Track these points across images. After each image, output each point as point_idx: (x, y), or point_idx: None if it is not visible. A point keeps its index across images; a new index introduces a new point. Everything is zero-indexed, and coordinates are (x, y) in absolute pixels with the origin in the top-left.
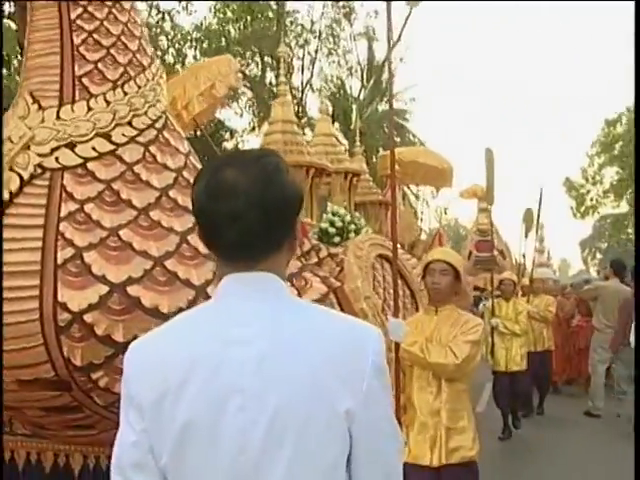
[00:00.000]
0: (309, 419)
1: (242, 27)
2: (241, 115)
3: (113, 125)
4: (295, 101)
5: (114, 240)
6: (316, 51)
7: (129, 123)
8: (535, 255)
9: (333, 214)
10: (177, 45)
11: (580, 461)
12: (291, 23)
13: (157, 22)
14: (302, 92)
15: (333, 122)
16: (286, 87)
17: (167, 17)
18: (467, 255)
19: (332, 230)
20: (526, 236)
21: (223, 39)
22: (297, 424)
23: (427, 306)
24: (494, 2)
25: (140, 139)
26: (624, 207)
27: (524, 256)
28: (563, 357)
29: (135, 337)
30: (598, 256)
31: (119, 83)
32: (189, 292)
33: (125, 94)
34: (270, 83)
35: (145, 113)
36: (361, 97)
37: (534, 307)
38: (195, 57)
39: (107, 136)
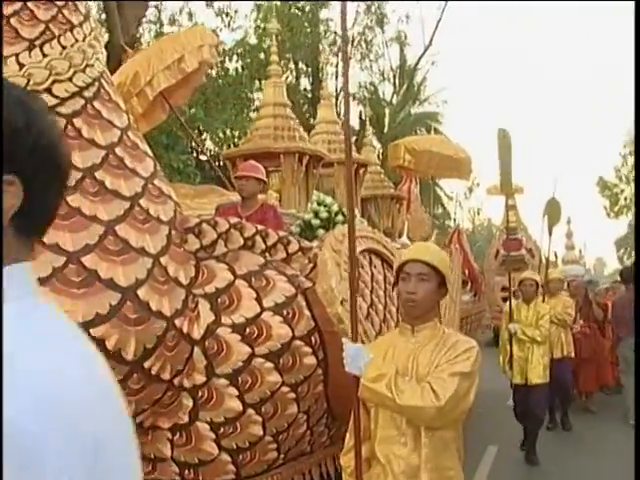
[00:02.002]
0: None
1: (280, 39)
2: None
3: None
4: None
5: None
6: (350, 58)
7: (48, 90)
8: (564, 252)
9: (318, 203)
10: (219, 58)
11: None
12: (325, 32)
13: None
14: (336, 98)
15: (366, 127)
16: (278, 67)
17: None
18: (494, 254)
19: (316, 222)
20: (550, 231)
21: (262, 53)
22: None
23: (401, 324)
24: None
25: (62, 109)
26: None
27: (556, 254)
28: None
29: None
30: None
31: (37, 43)
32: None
33: (44, 56)
34: (304, 89)
35: (70, 79)
36: (394, 101)
37: (551, 309)
38: (236, 70)
39: None
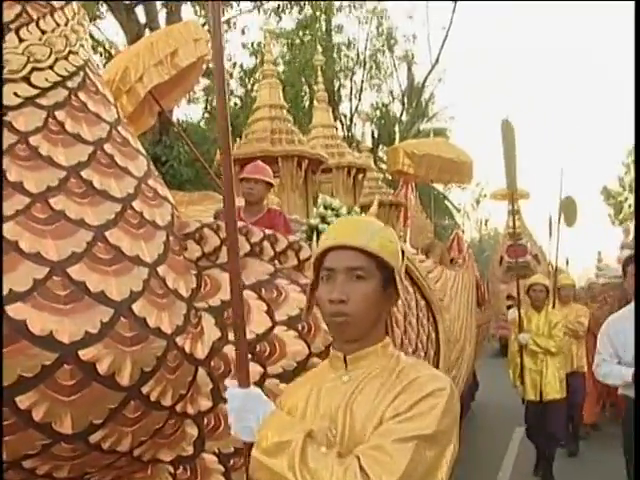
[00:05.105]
0: None
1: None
2: None
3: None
4: (345, 127)
5: None
6: (362, 81)
7: (26, 79)
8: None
9: (325, 207)
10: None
11: None
12: (338, 56)
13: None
14: (350, 120)
15: (378, 145)
16: (273, 68)
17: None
18: (498, 261)
19: (323, 227)
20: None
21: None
22: None
23: (332, 351)
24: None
25: (42, 101)
26: None
27: (567, 260)
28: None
29: None
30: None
31: (13, 27)
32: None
33: (21, 41)
34: None
35: (51, 67)
36: (403, 119)
37: (562, 318)
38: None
39: None
